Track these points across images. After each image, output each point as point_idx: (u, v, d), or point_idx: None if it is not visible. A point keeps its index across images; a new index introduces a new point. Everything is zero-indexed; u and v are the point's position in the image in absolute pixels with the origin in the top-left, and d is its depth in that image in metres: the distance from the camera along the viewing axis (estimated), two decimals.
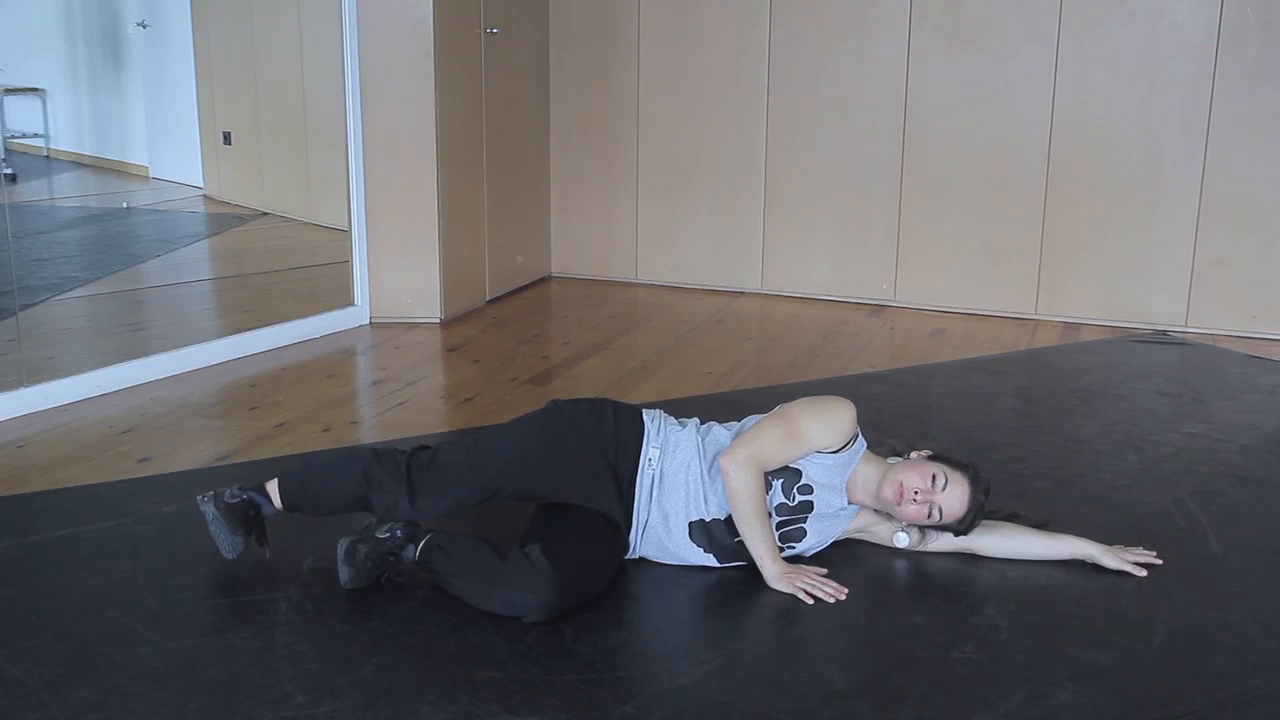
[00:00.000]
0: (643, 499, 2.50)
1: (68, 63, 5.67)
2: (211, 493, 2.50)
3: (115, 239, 5.80)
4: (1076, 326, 5.07)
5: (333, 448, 3.29)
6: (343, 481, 2.52)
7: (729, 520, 2.49)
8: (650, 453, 2.52)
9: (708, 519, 2.51)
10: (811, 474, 2.52)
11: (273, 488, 2.54)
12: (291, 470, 2.57)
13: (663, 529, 2.52)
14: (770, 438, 2.49)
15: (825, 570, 2.51)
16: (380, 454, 2.54)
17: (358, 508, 2.52)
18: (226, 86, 5.58)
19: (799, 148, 5.44)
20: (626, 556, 2.55)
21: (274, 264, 5.54)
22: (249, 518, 2.49)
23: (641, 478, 2.50)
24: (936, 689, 2.11)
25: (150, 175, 5.74)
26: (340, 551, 2.40)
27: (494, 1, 5.09)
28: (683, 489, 2.51)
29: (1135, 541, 2.68)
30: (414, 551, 2.40)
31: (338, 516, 2.66)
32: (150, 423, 3.62)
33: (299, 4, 5.38)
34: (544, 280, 5.88)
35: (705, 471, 2.51)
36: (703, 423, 2.64)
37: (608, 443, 2.51)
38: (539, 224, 5.82)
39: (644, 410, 2.62)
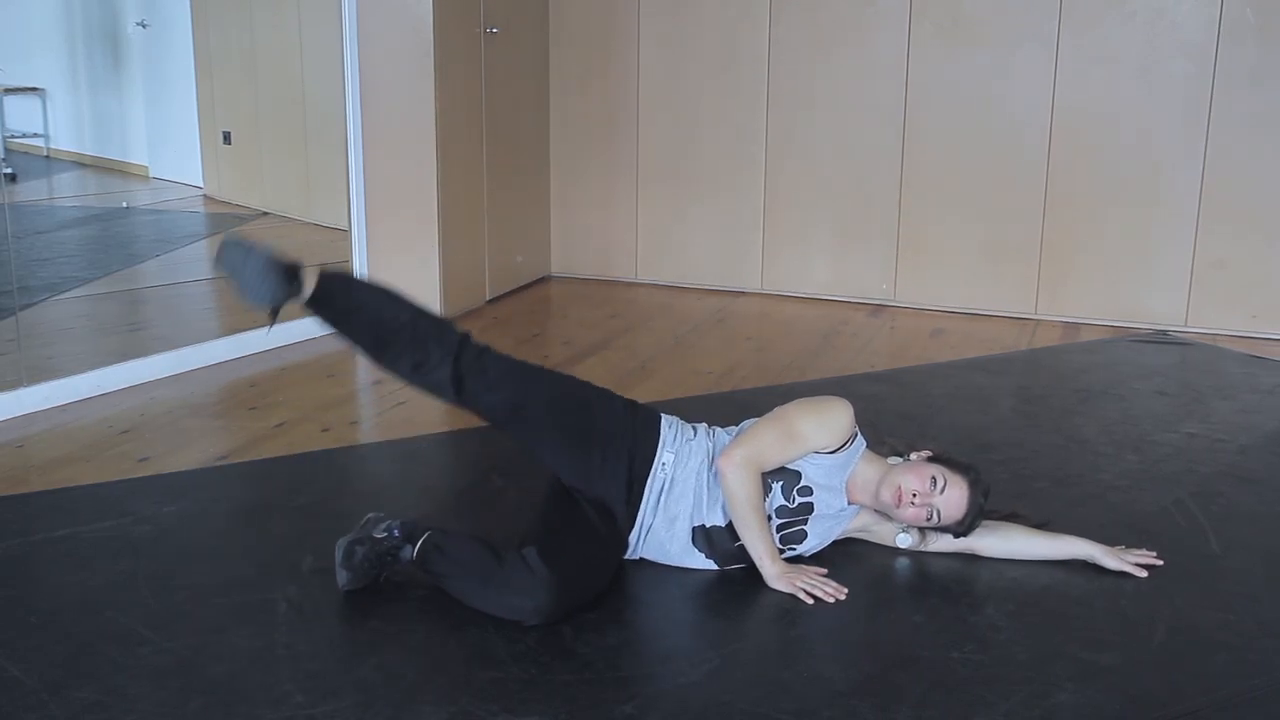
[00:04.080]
0: (650, 501, 2.50)
1: (68, 63, 5.67)
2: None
3: (115, 239, 5.80)
4: (1076, 326, 5.07)
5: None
6: (390, 312, 2.51)
7: (730, 526, 2.49)
8: (665, 457, 2.52)
9: (708, 525, 2.51)
10: (811, 475, 2.52)
11: (312, 275, 2.48)
12: (342, 274, 2.53)
13: (666, 533, 2.51)
14: (767, 438, 2.49)
15: (825, 570, 2.50)
16: (434, 318, 2.55)
17: (378, 345, 2.51)
18: (226, 86, 5.58)
19: (799, 147, 5.44)
20: (626, 557, 2.54)
21: None
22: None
23: (653, 481, 2.50)
24: (936, 689, 2.11)
25: (150, 175, 5.75)
26: (338, 554, 2.39)
27: (494, 1, 5.09)
28: (690, 494, 2.50)
29: (1135, 542, 2.67)
30: (411, 551, 2.40)
31: (338, 515, 2.66)
32: (150, 423, 3.61)
33: (299, 4, 5.38)
34: (544, 280, 5.88)
35: (711, 478, 2.51)
36: (710, 428, 2.63)
37: (630, 437, 2.51)
38: (539, 224, 5.81)
39: (662, 415, 2.62)
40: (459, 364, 2.49)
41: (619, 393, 2.64)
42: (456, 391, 2.50)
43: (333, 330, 2.57)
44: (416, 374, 2.52)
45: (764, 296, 5.57)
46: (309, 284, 2.49)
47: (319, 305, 2.52)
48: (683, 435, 2.56)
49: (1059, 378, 4.25)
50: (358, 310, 2.55)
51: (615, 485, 2.49)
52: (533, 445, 2.58)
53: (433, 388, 2.53)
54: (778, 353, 4.62)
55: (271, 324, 2.53)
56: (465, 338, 2.55)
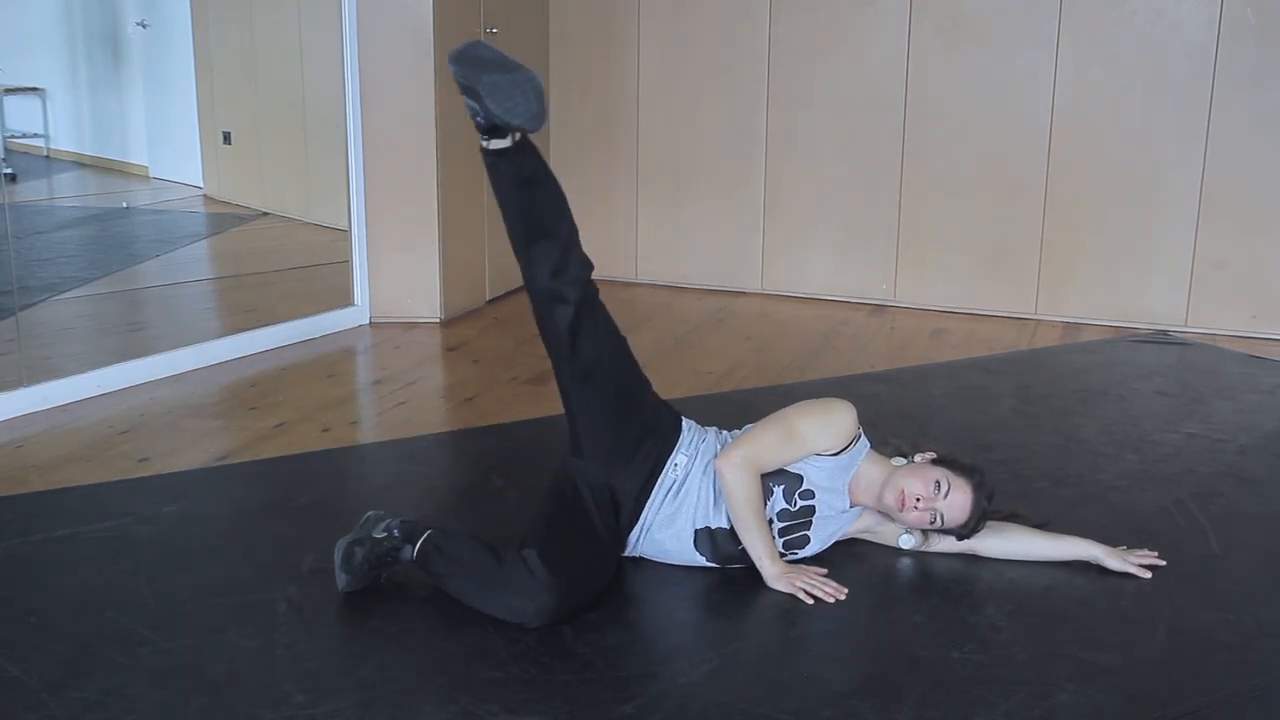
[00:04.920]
0: (657, 499, 2.50)
1: (68, 63, 5.67)
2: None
3: (115, 239, 5.80)
4: (1076, 326, 5.07)
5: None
6: (559, 209, 2.48)
7: (734, 530, 2.49)
8: (679, 458, 2.52)
9: (713, 527, 2.50)
10: (812, 478, 2.51)
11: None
12: (537, 149, 2.47)
13: (664, 532, 2.51)
14: (767, 439, 2.49)
15: (825, 570, 2.50)
16: (579, 242, 2.49)
17: (534, 232, 2.45)
18: (226, 86, 5.58)
19: (799, 147, 5.44)
20: (624, 554, 2.54)
21: (274, 264, 5.53)
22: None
23: (664, 479, 2.50)
24: (936, 689, 2.11)
25: (150, 175, 5.75)
26: (337, 556, 2.39)
27: (494, 1, 5.09)
28: (695, 495, 2.51)
29: (1135, 542, 2.67)
30: (411, 552, 2.39)
31: (338, 515, 2.66)
32: (150, 423, 3.61)
33: (299, 4, 5.38)
34: None
35: (717, 480, 2.51)
36: (719, 431, 2.63)
37: (660, 437, 2.52)
38: None
39: (682, 417, 2.62)
40: (585, 292, 2.47)
41: None
42: (573, 320, 2.44)
43: (503, 191, 2.48)
44: (552, 280, 2.43)
45: (764, 296, 5.57)
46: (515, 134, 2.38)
47: (516, 154, 2.43)
48: (698, 439, 2.57)
49: (1059, 378, 4.25)
50: (540, 186, 2.48)
51: (634, 481, 2.49)
52: (578, 408, 2.53)
53: (551, 301, 2.44)
54: (778, 353, 4.62)
55: (490, 143, 2.42)
56: (591, 274, 2.51)
